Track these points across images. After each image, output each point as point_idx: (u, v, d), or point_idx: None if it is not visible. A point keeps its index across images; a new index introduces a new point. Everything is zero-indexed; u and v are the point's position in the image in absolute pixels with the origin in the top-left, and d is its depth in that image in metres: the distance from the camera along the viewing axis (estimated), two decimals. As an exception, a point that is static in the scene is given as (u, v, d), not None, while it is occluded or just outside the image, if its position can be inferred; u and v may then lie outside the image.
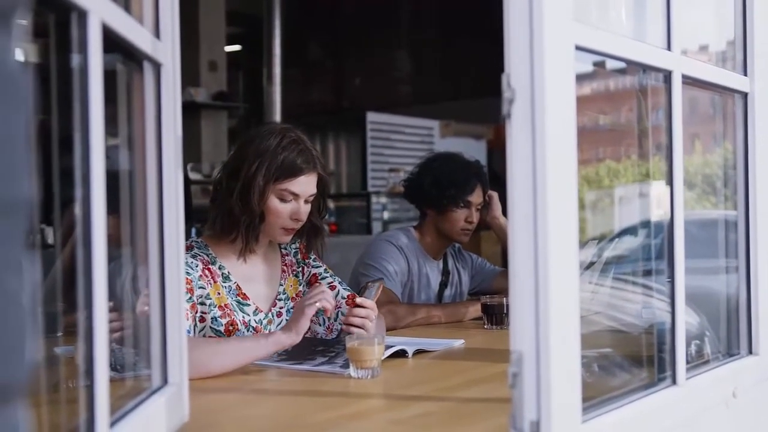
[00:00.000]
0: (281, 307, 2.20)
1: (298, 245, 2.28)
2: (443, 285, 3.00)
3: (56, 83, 0.97)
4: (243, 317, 2.08)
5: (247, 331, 2.08)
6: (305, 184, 2.08)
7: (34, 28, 0.79)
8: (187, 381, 1.35)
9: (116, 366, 1.25)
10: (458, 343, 2.24)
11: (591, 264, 1.80)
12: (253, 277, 2.16)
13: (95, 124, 0.95)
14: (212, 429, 1.43)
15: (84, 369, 0.96)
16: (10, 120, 0.52)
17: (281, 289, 2.21)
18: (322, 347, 2.04)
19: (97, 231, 0.95)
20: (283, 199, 2.07)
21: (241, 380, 1.78)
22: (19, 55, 0.55)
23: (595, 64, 1.37)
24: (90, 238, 0.94)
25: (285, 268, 2.25)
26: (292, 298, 2.23)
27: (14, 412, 0.53)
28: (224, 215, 2.09)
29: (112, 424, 1.02)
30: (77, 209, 0.94)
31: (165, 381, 1.30)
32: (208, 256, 2.10)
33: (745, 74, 1.71)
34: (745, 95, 1.71)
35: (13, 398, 0.53)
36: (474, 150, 5.99)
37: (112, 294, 1.01)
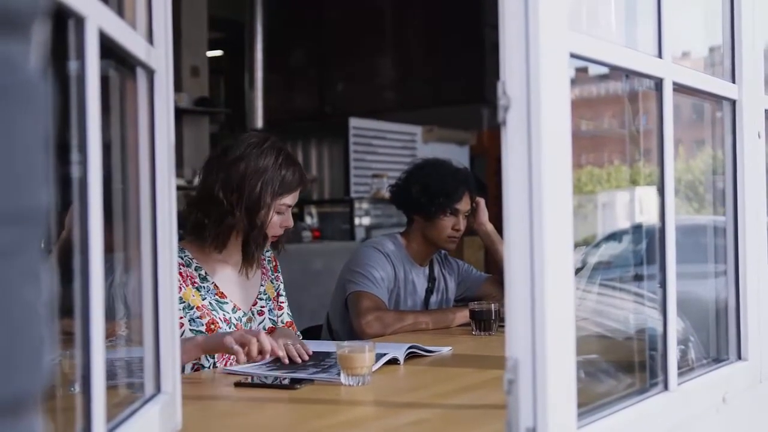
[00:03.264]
0: (263, 306, 2.27)
1: (271, 254, 2.36)
2: (429, 291, 3.00)
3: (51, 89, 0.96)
4: (223, 315, 2.14)
5: (228, 328, 2.13)
6: (297, 196, 2.22)
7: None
8: (180, 389, 1.34)
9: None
10: (446, 350, 2.24)
11: (578, 270, 1.80)
12: (233, 278, 2.22)
13: (92, 129, 0.94)
14: (204, 437, 1.42)
15: (79, 378, 0.95)
16: (28, 128, 0.51)
17: (262, 289, 2.29)
18: (313, 361, 2.02)
19: (93, 237, 0.94)
20: (279, 212, 2.18)
21: (234, 389, 1.77)
22: (37, 63, 0.54)
23: (578, 69, 1.36)
24: (87, 244, 0.93)
25: (264, 270, 2.32)
26: (273, 299, 2.31)
27: (32, 422, 0.53)
28: (224, 229, 2.13)
29: (108, 433, 1.01)
30: (75, 216, 0.93)
31: (158, 389, 1.29)
32: (182, 258, 2.13)
33: (734, 81, 1.73)
34: (733, 102, 1.73)
35: (31, 409, 0.52)
36: (457, 156, 5.96)
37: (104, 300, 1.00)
